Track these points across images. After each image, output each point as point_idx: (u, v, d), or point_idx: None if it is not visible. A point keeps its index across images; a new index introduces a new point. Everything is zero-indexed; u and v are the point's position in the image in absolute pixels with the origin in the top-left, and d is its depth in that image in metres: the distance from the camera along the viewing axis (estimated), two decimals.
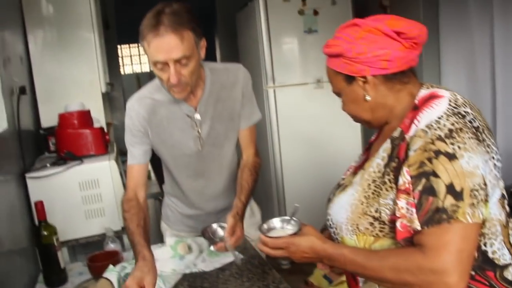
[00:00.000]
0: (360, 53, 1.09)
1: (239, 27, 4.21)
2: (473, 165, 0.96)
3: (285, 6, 3.54)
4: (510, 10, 2.79)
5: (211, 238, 1.58)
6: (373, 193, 1.09)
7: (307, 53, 3.63)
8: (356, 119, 1.21)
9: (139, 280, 1.34)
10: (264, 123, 3.65)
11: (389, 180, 1.06)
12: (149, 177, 3.06)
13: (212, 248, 1.57)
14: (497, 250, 1.05)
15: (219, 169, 1.85)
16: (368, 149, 1.30)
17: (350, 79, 1.13)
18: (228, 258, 1.73)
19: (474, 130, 1.01)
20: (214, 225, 1.63)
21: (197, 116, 1.69)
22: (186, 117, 1.69)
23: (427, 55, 3.33)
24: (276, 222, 1.30)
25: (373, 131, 1.32)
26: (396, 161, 1.06)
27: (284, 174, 3.68)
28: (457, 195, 0.95)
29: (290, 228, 1.26)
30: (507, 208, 1.09)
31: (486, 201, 0.98)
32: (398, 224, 1.02)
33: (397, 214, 1.02)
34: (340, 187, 1.24)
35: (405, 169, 1.01)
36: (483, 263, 1.04)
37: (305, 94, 3.64)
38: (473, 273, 1.03)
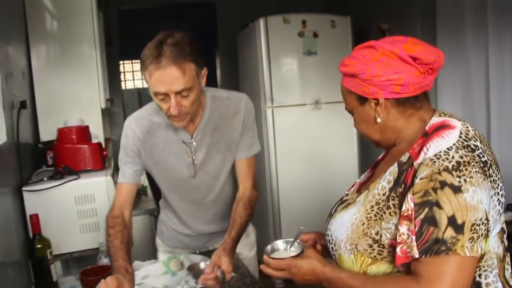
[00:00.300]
0: (374, 76, 1.09)
1: (240, 47, 4.27)
2: (477, 200, 0.97)
3: (285, 28, 3.61)
4: (504, 37, 2.85)
5: (197, 276, 1.56)
6: (375, 215, 1.09)
7: (306, 75, 3.69)
8: (366, 138, 1.23)
9: (120, 282, 1.36)
10: (261, 142, 3.64)
11: (394, 205, 1.06)
12: (145, 193, 3.07)
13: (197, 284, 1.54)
14: (491, 282, 1.06)
15: (213, 197, 1.85)
16: (374, 167, 1.31)
17: (362, 99, 1.14)
18: None
19: (482, 165, 1.01)
20: (202, 264, 1.63)
21: (193, 143, 1.69)
22: (181, 143, 1.70)
23: None
24: (280, 244, 1.33)
25: (369, 153, 1.34)
26: (402, 187, 1.06)
27: (280, 193, 3.70)
28: (458, 228, 0.96)
29: (293, 250, 1.29)
30: (506, 242, 1.10)
31: (487, 236, 0.99)
32: (398, 249, 1.02)
33: (398, 240, 1.02)
34: (343, 203, 1.24)
35: (409, 196, 1.02)
36: None
37: (303, 114, 3.68)
38: None
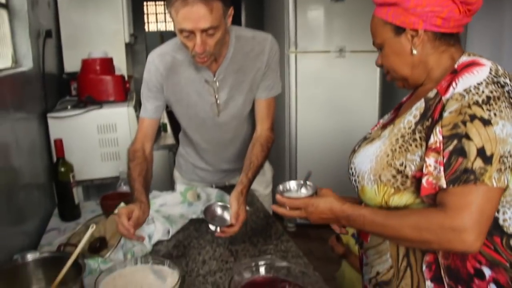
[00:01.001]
0: (418, 5, 1.07)
1: None
2: (507, 133, 0.98)
3: None
4: None
5: (213, 220, 1.52)
6: (400, 147, 1.10)
7: (332, 22, 3.61)
8: (393, 73, 1.20)
9: (130, 211, 1.40)
10: (283, 87, 3.64)
11: (420, 138, 1.07)
12: (165, 129, 3.12)
13: (217, 232, 1.48)
14: (508, 218, 1.08)
15: (233, 137, 1.87)
16: (398, 109, 1.31)
17: (399, 30, 1.11)
18: None
19: (511, 101, 1.01)
20: (217, 207, 1.56)
21: (216, 82, 1.69)
22: (204, 82, 1.69)
23: None
24: (292, 184, 1.31)
25: (390, 104, 1.32)
26: (429, 121, 1.06)
27: (299, 138, 3.71)
28: (487, 159, 0.96)
29: (305, 192, 1.28)
30: None
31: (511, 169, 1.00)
32: (424, 180, 1.03)
33: (424, 171, 1.03)
34: (367, 139, 1.25)
35: (438, 129, 1.02)
36: (493, 229, 1.06)
37: (326, 62, 3.63)
38: None
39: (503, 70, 1.08)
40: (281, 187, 1.29)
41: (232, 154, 1.93)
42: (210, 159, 1.96)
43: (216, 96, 1.71)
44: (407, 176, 1.08)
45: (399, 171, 1.09)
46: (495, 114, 0.98)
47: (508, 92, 1.02)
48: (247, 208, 1.80)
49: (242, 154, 1.86)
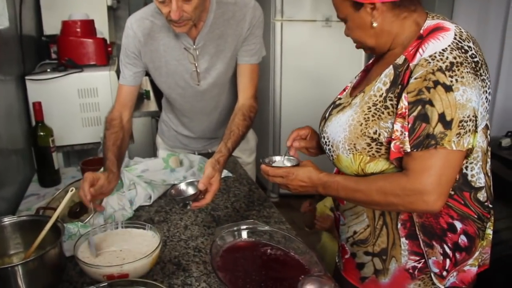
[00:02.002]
0: None
1: None
2: (466, 98, 1.01)
3: None
4: None
5: (180, 197, 1.37)
6: (373, 116, 1.12)
7: None
8: (359, 45, 1.21)
9: (96, 177, 1.36)
10: (268, 56, 3.62)
11: (392, 105, 1.09)
12: (148, 96, 3.08)
13: (189, 206, 1.35)
14: (475, 174, 1.14)
15: (216, 105, 1.83)
16: (366, 71, 1.32)
17: (358, 5, 1.11)
18: None
19: (474, 65, 1.04)
20: (182, 186, 1.40)
21: (195, 50, 1.64)
22: (183, 49, 1.64)
23: None
24: (276, 158, 1.36)
25: None
26: (399, 88, 1.09)
27: (283, 108, 3.70)
28: (446, 124, 1.01)
29: (288, 164, 1.32)
30: (489, 137, 1.17)
31: (475, 131, 1.04)
32: (392, 144, 1.07)
33: (392, 136, 1.07)
34: (338, 107, 1.26)
35: (404, 95, 1.05)
36: (462, 185, 1.13)
37: (312, 31, 3.59)
38: (452, 192, 1.12)
39: (467, 33, 1.10)
40: (266, 159, 1.34)
41: (215, 122, 1.90)
42: (192, 127, 1.93)
43: (196, 64, 1.67)
44: (381, 143, 1.11)
45: (373, 139, 1.12)
46: (456, 80, 1.01)
47: (471, 56, 1.05)
48: (230, 174, 1.79)
49: (226, 122, 1.82)
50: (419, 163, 1.04)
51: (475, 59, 1.05)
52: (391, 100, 1.10)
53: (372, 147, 1.12)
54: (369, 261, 1.24)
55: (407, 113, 1.04)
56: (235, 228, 1.17)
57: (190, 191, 1.35)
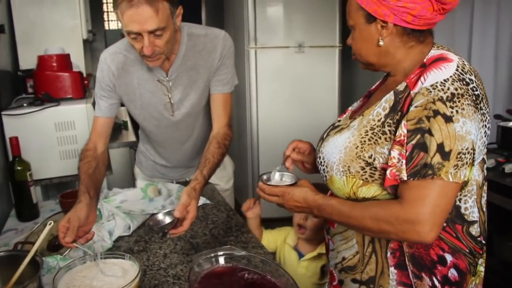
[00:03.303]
0: None
1: None
2: (466, 130, 1.01)
3: None
4: None
5: (158, 226, 1.38)
6: (369, 140, 1.13)
7: (291, 17, 3.66)
8: (359, 57, 1.22)
9: (65, 222, 1.33)
10: (243, 83, 3.69)
11: (390, 131, 1.10)
12: (126, 127, 3.10)
13: (168, 235, 1.37)
14: (469, 207, 1.13)
15: (191, 135, 1.86)
16: (367, 97, 1.34)
17: (370, 18, 1.12)
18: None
19: (474, 98, 1.04)
20: (160, 216, 1.41)
21: (168, 82, 1.68)
22: (157, 81, 1.68)
23: None
24: (275, 175, 1.38)
25: (350, 97, 1.36)
26: (399, 115, 1.09)
27: (260, 133, 3.76)
28: (445, 155, 1.00)
29: (286, 181, 1.35)
30: (485, 171, 1.17)
31: (472, 164, 1.05)
32: (388, 171, 1.07)
33: (389, 163, 1.07)
34: (336, 128, 1.27)
35: (403, 122, 1.05)
36: (455, 217, 1.13)
37: (286, 57, 3.68)
38: (444, 224, 1.11)
39: (469, 66, 1.11)
40: (265, 176, 1.37)
41: (190, 151, 1.93)
42: (169, 156, 1.96)
43: (170, 96, 1.71)
44: (375, 168, 1.11)
45: (368, 163, 1.12)
46: (457, 112, 1.01)
47: (472, 89, 1.05)
48: (208, 201, 1.82)
49: (202, 150, 1.84)
50: (414, 192, 1.03)
51: (476, 92, 1.06)
52: (389, 126, 1.10)
53: (366, 171, 1.13)
54: None
55: (405, 141, 1.04)
56: (212, 255, 1.19)
57: (168, 220, 1.36)
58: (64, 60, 2.37)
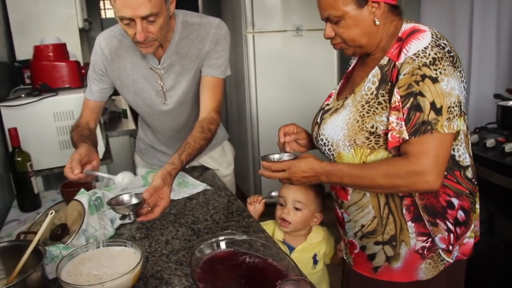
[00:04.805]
0: None
1: None
2: (451, 87, 1.15)
3: None
4: None
5: (119, 209, 1.32)
6: (367, 112, 1.23)
7: (288, 1, 3.62)
8: (350, 43, 1.26)
9: (71, 160, 1.42)
10: (241, 68, 3.67)
11: (384, 101, 1.21)
12: (125, 115, 3.09)
13: (128, 219, 1.32)
14: (461, 154, 1.27)
15: (186, 123, 1.85)
16: (347, 78, 1.44)
17: (362, 2, 1.20)
18: (196, 189, 1.81)
19: (451, 59, 1.17)
20: (125, 196, 1.36)
21: (161, 69, 1.67)
22: (149, 68, 1.68)
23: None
24: (275, 155, 1.41)
25: None
26: (389, 84, 1.20)
27: (260, 118, 3.75)
28: (437, 111, 1.14)
29: (287, 158, 1.38)
30: (467, 121, 1.30)
31: (460, 115, 1.19)
32: (389, 135, 1.19)
33: (389, 128, 1.19)
34: (329, 111, 1.36)
35: (395, 90, 1.17)
36: (452, 165, 1.26)
37: (284, 41, 3.66)
38: (445, 173, 1.23)
39: (439, 33, 1.23)
40: (265, 157, 1.40)
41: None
42: (166, 142, 1.96)
43: (162, 83, 1.70)
44: (379, 136, 1.22)
45: (371, 133, 1.23)
46: (440, 73, 1.14)
47: (448, 51, 1.18)
48: (209, 187, 1.82)
49: None
50: (417, 147, 1.15)
51: (452, 54, 1.18)
52: (383, 96, 1.21)
53: (371, 140, 1.23)
54: (380, 250, 1.32)
55: (400, 106, 1.16)
56: (213, 240, 1.20)
57: (134, 201, 1.31)
58: (61, 50, 2.35)
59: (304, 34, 3.64)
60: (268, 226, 1.75)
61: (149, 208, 1.31)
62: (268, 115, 3.72)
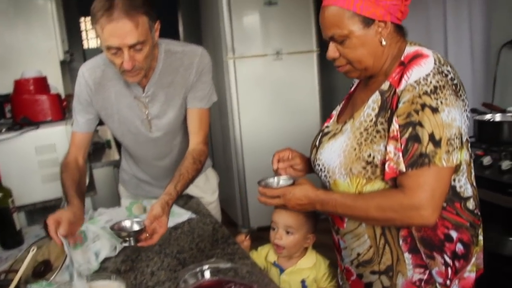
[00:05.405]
0: None
1: None
2: (452, 118, 1.11)
3: None
4: None
5: (122, 234, 1.35)
6: (365, 140, 1.20)
7: (267, 25, 3.69)
8: (356, 64, 1.22)
9: (58, 217, 1.38)
10: (223, 94, 3.70)
11: (383, 129, 1.18)
12: (109, 146, 3.08)
13: (128, 243, 1.34)
14: (462, 185, 1.23)
15: (170, 151, 1.86)
16: (348, 99, 1.40)
17: (369, 22, 1.16)
18: (181, 218, 1.80)
19: (454, 88, 1.14)
20: (127, 222, 1.39)
21: (145, 98, 1.68)
22: (134, 97, 1.68)
23: None
24: (270, 179, 1.41)
25: (331, 100, 1.42)
26: (389, 112, 1.17)
27: (244, 142, 3.76)
28: (436, 143, 1.09)
29: (284, 183, 1.37)
30: (470, 150, 1.26)
31: (461, 147, 1.14)
32: (386, 165, 1.15)
33: (386, 158, 1.15)
34: (328, 134, 1.33)
35: (394, 119, 1.14)
36: (452, 196, 1.21)
37: (264, 65, 3.71)
38: (445, 204, 1.20)
39: (443, 58, 1.19)
40: (262, 182, 1.39)
41: (170, 168, 1.90)
42: (150, 172, 1.96)
43: (146, 112, 1.71)
44: (376, 166, 1.19)
45: (368, 162, 1.19)
46: (441, 102, 1.10)
47: (451, 79, 1.14)
48: (193, 216, 1.82)
49: None
50: (413, 180, 1.11)
51: (455, 82, 1.15)
52: (381, 124, 1.18)
53: (367, 170, 1.19)
54: (377, 279, 1.29)
55: (399, 135, 1.13)
56: (197, 269, 1.20)
57: (136, 227, 1.35)
58: (41, 83, 2.36)
59: (284, 57, 3.70)
60: (264, 249, 1.76)
61: (147, 235, 1.34)
62: (252, 139, 3.74)
